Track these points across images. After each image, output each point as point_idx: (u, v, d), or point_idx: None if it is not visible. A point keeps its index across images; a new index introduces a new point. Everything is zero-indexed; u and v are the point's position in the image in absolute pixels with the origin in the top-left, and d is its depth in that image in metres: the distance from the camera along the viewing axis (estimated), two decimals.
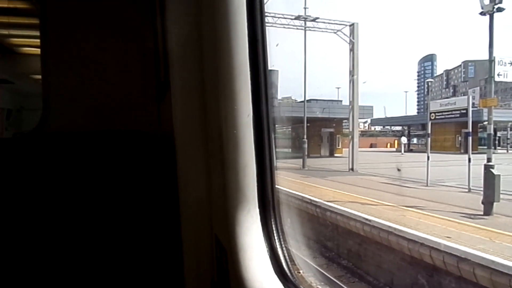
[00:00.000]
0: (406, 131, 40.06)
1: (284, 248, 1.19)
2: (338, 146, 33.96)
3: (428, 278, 9.33)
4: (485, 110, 15.55)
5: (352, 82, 24.65)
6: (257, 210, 1.18)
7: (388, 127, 48.46)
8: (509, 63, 15.13)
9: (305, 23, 24.12)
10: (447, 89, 76.51)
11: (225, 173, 1.22)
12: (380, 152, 36.94)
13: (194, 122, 1.40)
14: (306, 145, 25.00)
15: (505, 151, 31.76)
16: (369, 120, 42.18)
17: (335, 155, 32.72)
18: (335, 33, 24.70)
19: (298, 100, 30.01)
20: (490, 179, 11.81)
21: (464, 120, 16.89)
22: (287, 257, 1.19)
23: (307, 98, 26.77)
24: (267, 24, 1.26)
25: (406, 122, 40.10)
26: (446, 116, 18.83)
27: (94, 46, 2.50)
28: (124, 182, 1.78)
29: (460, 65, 72.05)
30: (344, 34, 24.62)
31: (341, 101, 33.75)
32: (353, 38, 24.47)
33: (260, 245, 1.16)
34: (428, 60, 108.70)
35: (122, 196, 1.79)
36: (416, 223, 10.58)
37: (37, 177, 1.68)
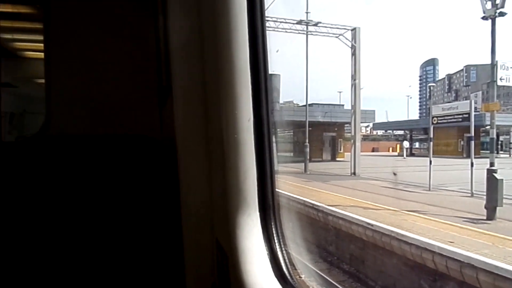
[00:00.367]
0: (408, 135, 40.00)
1: (284, 252, 1.20)
2: (340, 150, 33.93)
3: (431, 283, 9.28)
4: (488, 114, 15.53)
5: (354, 86, 24.67)
6: (258, 213, 1.19)
7: (390, 131, 48.43)
8: (511, 67, 15.11)
9: (306, 28, 24.21)
10: (449, 93, 76.49)
11: (226, 177, 1.23)
12: (382, 157, 36.88)
13: (196, 126, 1.42)
14: (308, 149, 24.98)
15: (508, 155, 31.65)
16: (371, 125, 42.23)
17: (337, 159, 32.68)
18: (337, 37, 24.78)
19: (300, 104, 30.06)
20: (493, 184, 11.76)
21: (466, 124, 16.86)
22: (287, 261, 1.19)
23: (309, 102, 26.79)
24: (268, 29, 1.27)
25: (408, 126, 40.07)
26: (449, 121, 18.82)
27: (97, 51, 2.52)
28: (126, 185, 1.79)
29: (462, 70, 72.05)
30: (346, 39, 24.69)
31: (343, 105, 33.81)
32: (355, 43, 24.52)
33: (260, 249, 1.16)
34: (430, 64, 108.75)
35: (124, 200, 1.79)
36: (419, 227, 10.54)
37: (40, 180, 1.69)
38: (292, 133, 30.28)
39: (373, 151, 44.89)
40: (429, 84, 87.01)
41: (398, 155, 36.18)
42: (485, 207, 11.67)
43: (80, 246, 1.73)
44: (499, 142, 29.83)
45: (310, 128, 25.67)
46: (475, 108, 17.22)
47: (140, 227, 1.80)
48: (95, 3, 2.62)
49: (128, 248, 1.78)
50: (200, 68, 1.35)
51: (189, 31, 1.39)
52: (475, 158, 14.74)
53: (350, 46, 24.61)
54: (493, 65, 13.59)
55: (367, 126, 44.68)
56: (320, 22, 24.09)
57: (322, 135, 32.91)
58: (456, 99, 63.99)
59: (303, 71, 24.51)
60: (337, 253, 12.45)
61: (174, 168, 1.55)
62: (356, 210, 12.66)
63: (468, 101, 18.05)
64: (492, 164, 12.50)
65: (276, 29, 22.09)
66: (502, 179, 11.79)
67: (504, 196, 11.75)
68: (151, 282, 1.78)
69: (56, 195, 1.71)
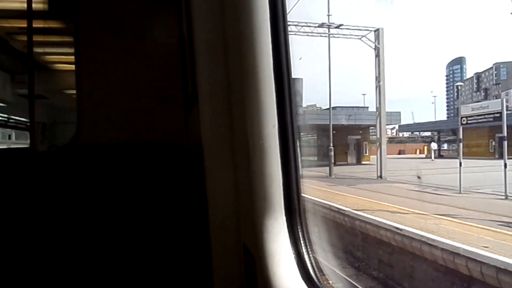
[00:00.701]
0: (436, 137, 38.92)
1: (311, 256, 1.21)
2: (365, 153, 33.38)
3: None
4: None
5: (379, 88, 24.27)
6: (284, 217, 1.21)
7: (417, 133, 47.26)
8: None
9: (328, 30, 24.06)
10: (478, 93, 73.98)
11: (252, 183, 1.25)
12: (409, 159, 36.01)
13: (222, 133, 1.45)
14: (332, 153, 24.71)
15: None
16: (397, 127, 41.32)
17: (362, 162, 32.16)
18: (359, 39, 24.50)
19: (323, 108, 29.82)
20: None
21: (498, 124, 16.23)
22: (314, 265, 1.20)
23: (332, 106, 26.56)
24: (290, 33, 1.28)
25: (435, 127, 38.98)
26: (479, 121, 18.18)
27: (124, 61, 2.62)
28: (154, 191, 1.83)
29: (492, 67, 69.60)
30: (369, 40, 24.37)
31: (367, 107, 33.29)
32: (378, 44, 24.16)
33: (287, 252, 1.18)
34: (457, 63, 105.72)
35: (152, 205, 1.83)
36: (450, 231, 10.20)
37: (72, 188, 1.75)
38: (315, 137, 30.06)
39: (399, 153, 43.91)
40: (457, 84, 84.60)
41: (426, 157, 35.25)
42: None
43: (112, 252, 1.78)
44: None
45: (334, 132, 25.40)
46: (507, 106, 16.57)
47: (169, 232, 1.83)
48: (121, 17, 2.72)
49: (157, 253, 1.82)
50: (224, 74, 1.38)
51: (213, 39, 1.42)
52: (508, 159, 14.16)
53: (374, 47, 24.26)
54: None
55: (393, 128, 43.77)
56: (342, 24, 23.90)
57: (346, 138, 32.49)
58: (485, 98, 61.80)
59: (325, 74, 24.34)
60: (365, 258, 12.21)
61: (201, 173, 1.58)
62: (383, 214, 12.40)
63: (499, 99, 17.40)
64: None
65: (297, 33, 22.08)
66: None
67: None
68: (181, 285, 1.81)
69: (89, 203, 1.77)
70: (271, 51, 1.17)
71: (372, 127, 28.71)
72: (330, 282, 1.31)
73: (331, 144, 24.95)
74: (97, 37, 2.68)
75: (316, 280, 1.17)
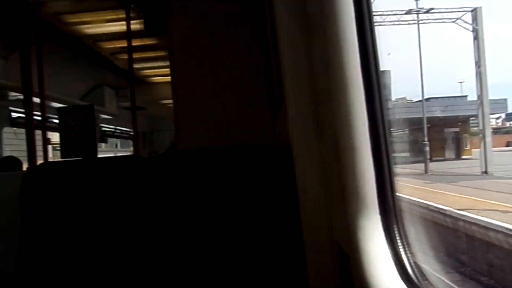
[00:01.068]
0: None
1: (410, 257, 1.16)
2: (466, 147, 30.35)
3: None
4: None
5: (479, 74, 21.88)
6: (378, 217, 1.18)
7: None
8: None
9: (417, 16, 22.42)
10: None
11: (343, 183, 1.24)
12: None
13: (310, 134, 1.46)
14: (427, 148, 22.95)
15: None
16: (503, 115, 36.84)
17: (463, 157, 29.30)
18: (454, 22, 22.37)
19: (414, 100, 27.91)
20: None
21: None
22: (413, 266, 1.14)
23: (425, 97, 24.71)
24: (375, 24, 1.23)
25: None
26: None
27: (213, 69, 2.82)
28: (246, 192, 1.91)
29: None
30: (465, 22, 22.12)
31: (466, 96, 30.24)
32: (477, 25, 21.80)
33: (384, 252, 1.15)
34: None
35: (246, 207, 1.91)
36: None
37: (174, 192, 1.90)
38: (407, 132, 28.26)
39: (507, 145, 39.03)
40: None
41: None
42: None
43: (209, 250, 1.89)
44: None
45: (428, 125, 23.60)
46: None
47: (262, 234, 1.89)
48: (208, 26, 2.93)
49: (252, 254, 1.89)
50: (310, 74, 1.39)
51: (297, 40, 1.44)
52: None
53: (472, 29, 21.96)
54: None
55: (498, 118, 39.11)
56: (433, 8, 22.09)
57: (443, 132, 29.90)
58: None
59: (416, 64, 22.71)
60: (472, 263, 11.09)
61: (291, 174, 1.60)
62: (492, 214, 11.15)
63: None
64: None
65: (382, 23, 21.00)
66: None
67: None
68: (275, 286, 1.85)
69: (189, 205, 1.90)
70: (357, 47, 1.15)
71: (473, 118, 26.00)
72: (433, 287, 1.23)
73: (426, 139, 23.19)
74: (188, 49, 2.94)
75: (416, 280, 1.11)
